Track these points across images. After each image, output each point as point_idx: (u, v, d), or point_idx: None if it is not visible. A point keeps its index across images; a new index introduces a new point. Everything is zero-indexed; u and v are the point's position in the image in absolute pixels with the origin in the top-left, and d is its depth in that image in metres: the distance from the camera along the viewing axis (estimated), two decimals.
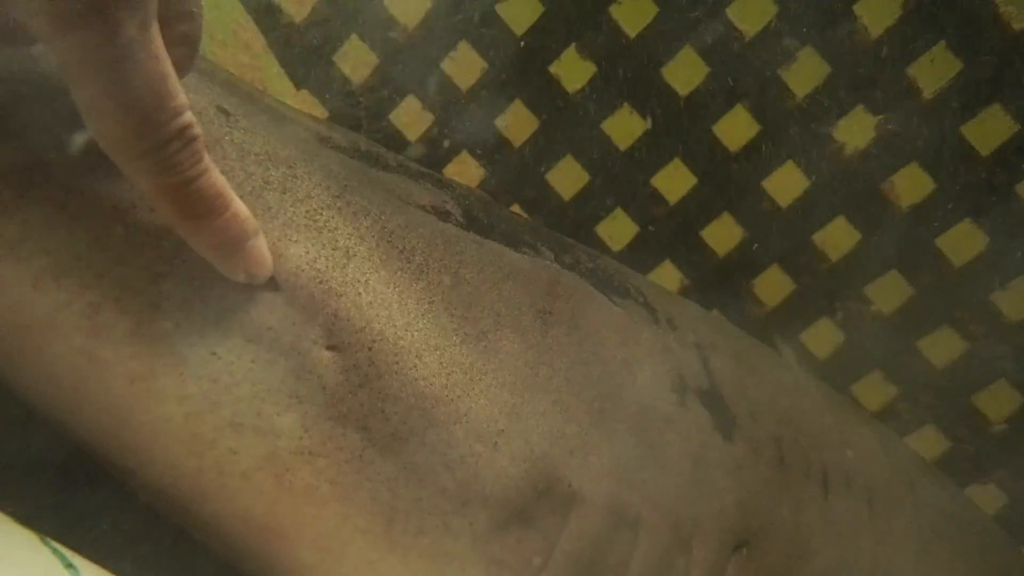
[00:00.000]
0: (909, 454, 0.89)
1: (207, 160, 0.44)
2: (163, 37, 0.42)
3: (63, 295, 0.46)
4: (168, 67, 0.41)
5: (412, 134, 1.08)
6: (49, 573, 0.39)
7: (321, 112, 1.10)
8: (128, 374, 0.47)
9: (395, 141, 1.08)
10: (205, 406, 0.48)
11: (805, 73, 0.92)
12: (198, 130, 0.43)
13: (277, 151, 0.52)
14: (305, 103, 1.11)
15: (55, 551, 0.40)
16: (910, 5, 0.87)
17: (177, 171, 0.43)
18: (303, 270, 0.49)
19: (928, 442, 0.99)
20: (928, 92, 0.90)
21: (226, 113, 0.52)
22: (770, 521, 0.64)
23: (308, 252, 0.49)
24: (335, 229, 0.51)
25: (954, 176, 0.92)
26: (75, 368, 0.47)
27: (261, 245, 0.47)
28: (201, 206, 0.44)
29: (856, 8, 0.89)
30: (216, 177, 0.44)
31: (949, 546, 0.77)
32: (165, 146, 0.42)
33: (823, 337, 1.00)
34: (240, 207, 0.46)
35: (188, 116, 0.42)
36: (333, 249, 0.50)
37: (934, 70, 0.89)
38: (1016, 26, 0.85)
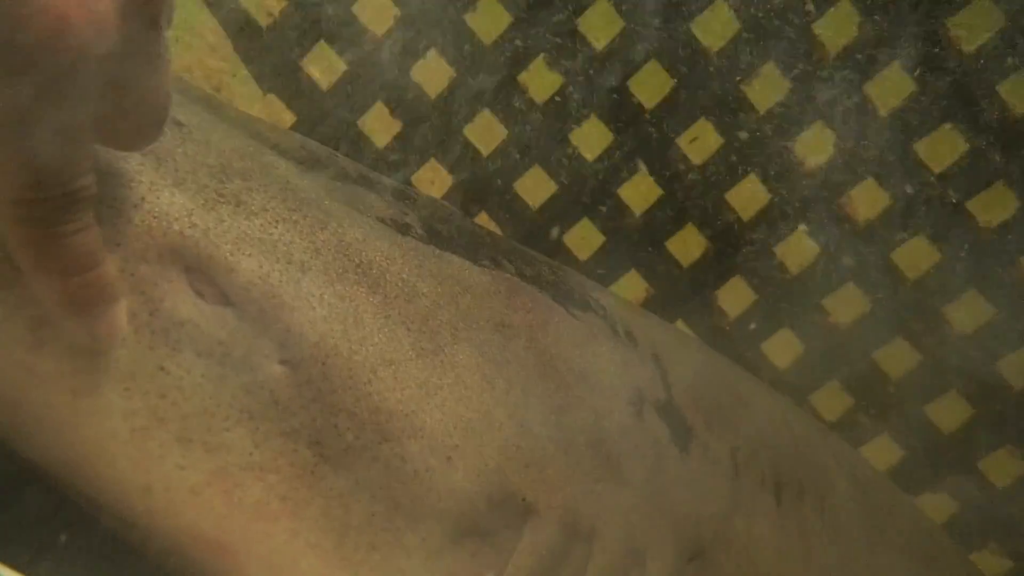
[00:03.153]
0: (862, 464, 0.91)
1: (89, 217, 0.42)
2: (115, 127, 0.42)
3: (2, 309, 0.45)
4: (83, 132, 0.40)
5: (380, 140, 1.08)
6: None
7: (288, 117, 1.09)
8: (72, 388, 0.46)
9: (363, 147, 1.08)
10: (152, 422, 0.47)
11: (767, 88, 0.94)
12: (93, 190, 0.41)
13: (232, 163, 0.52)
14: (272, 108, 1.11)
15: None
16: (866, 28, 0.89)
17: (50, 224, 0.41)
18: (255, 284, 0.49)
19: (882, 451, 1.02)
20: (884, 110, 0.93)
21: (179, 124, 0.51)
22: (724, 532, 0.65)
23: (261, 266, 0.49)
24: (290, 243, 0.51)
25: (909, 192, 0.94)
26: (15, 383, 0.46)
27: (120, 314, 0.46)
28: (66, 261, 0.42)
29: (815, 27, 0.91)
30: (92, 236, 0.42)
31: (898, 553, 0.79)
32: (47, 202, 0.40)
33: (783, 347, 1.02)
34: (108, 270, 0.44)
35: (85, 179, 0.40)
36: (287, 263, 0.50)
37: (891, 89, 0.91)
38: (966, 49, 0.87)
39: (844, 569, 0.73)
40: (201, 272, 0.48)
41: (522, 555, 0.53)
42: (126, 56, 0.40)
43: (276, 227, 0.51)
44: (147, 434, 0.47)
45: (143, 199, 0.48)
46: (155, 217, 0.48)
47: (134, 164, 0.48)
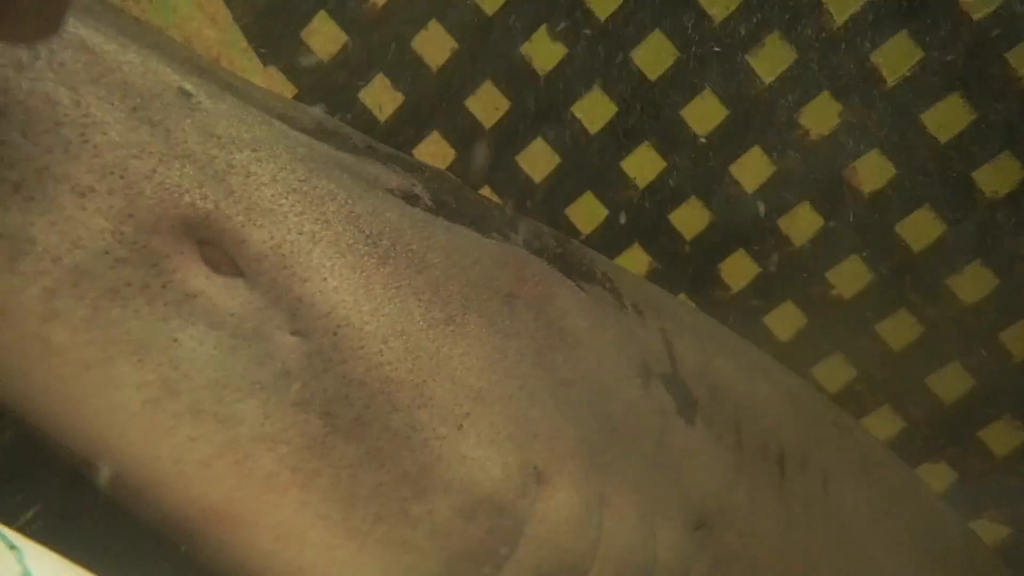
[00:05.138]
0: (864, 435, 0.92)
1: None
2: None
3: (17, 280, 0.45)
4: None
5: (382, 113, 1.08)
6: None
7: (289, 90, 1.08)
8: (84, 360, 0.46)
9: (365, 120, 1.07)
10: (164, 393, 0.47)
11: (772, 59, 0.94)
12: None
13: (241, 133, 0.51)
14: (273, 80, 1.10)
15: None
16: None
17: None
18: (267, 255, 0.49)
19: (884, 422, 1.03)
20: (891, 80, 0.92)
21: (187, 95, 0.51)
22: (728, 502, 0.65)
23: (272, 237, 0.49)
24: (301, 214, 0.50)
25: (915, 164, 0.94)
26: (27, 354, 0.46)
27: None
28: None
29: None
30: None
31: (897, 522, 0.80)
32: None
33: (786, 320, 1.03)
34: None
35: None
36: (298, 234, 0.50)
37: (897, 59, 0.90)
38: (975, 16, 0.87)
39: (846, 538, 0.74)
40: (213, 244, 0.48)
41: (535, 525, 0.54)
42: None
43: (286, 198, 0.50)
44: (158, 406, 0.47)
45: (154, 171, 0.47)
46: (166, 189, 0.47)
47: (144, 135, 0.48)
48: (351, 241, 0.52)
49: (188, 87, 0.51)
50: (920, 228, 0.96)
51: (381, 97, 1.08)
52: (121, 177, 0.47)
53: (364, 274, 0.51)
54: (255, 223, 0.49)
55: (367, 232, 0.53)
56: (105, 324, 0.46)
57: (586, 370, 0.59)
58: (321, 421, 0.50)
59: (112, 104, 0.47)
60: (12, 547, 0.40)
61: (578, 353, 0.59)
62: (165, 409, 0.48)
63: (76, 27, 0.48)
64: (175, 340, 0.47)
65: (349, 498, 0.50)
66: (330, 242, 0.51)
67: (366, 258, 0.52)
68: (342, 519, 0.50)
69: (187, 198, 0.48)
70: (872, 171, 0.96)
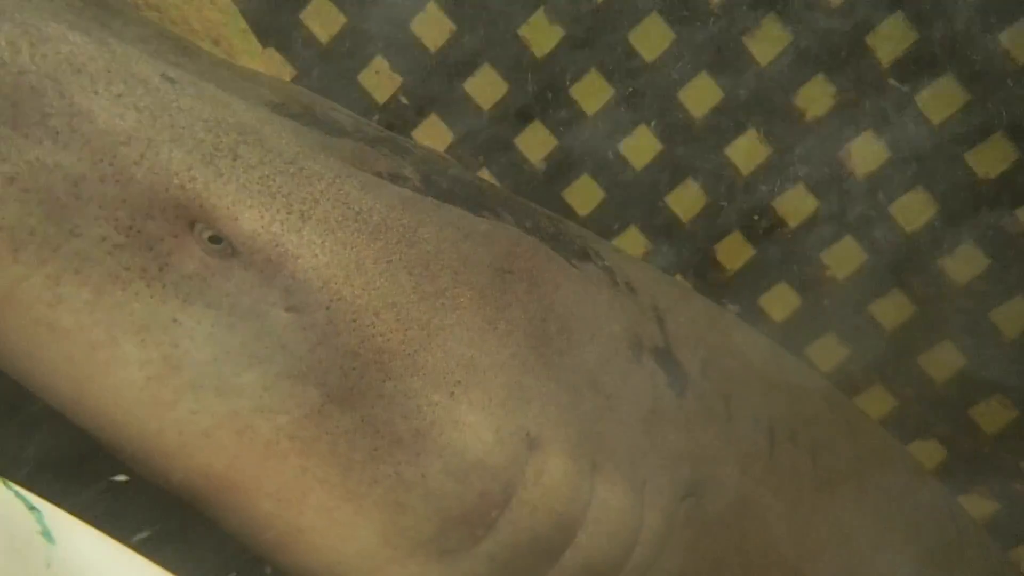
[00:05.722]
0: (855, 412, 0.93)
1: None
2: None
3: (20, 269, 0.46)
4: None
5: (381, 95, 1.08)
6: (13, 515, 0.40)
7: (288, 71, 1.09)
8: (90, 341, 0.48)
9: (364, 103, 1.08)
10: (166, 370, 0.49)
11: (767, 41, 0.94)
12: None
13: (227, 118, 0.52)
14: (272, 62, 1.10)
15: (18, 494, 0.41)
16: None
17: None
18: (258, 234, 0.50)
19: (876, 401, 1.04)
20: (885, 62, 0.93)
21: (171, 81, 0.52)
22: (716, 474, 0.67)
23: (263, 217, 0.50)
24: (289, 194, 0.52)
25: (908, 146, 0.95)
26: (36, 338, 0.48)
27: None
28: None
29: None
30: None
31: (886, 495, 0.81)
32: None
33: (780, 301, 1.04)
34: None
35: None
36: (287, 213, 0.51)
37: (890, 41, 0.91)
38: None
39: (834, 510, 0.75)
40: (206, 225, 0.50)
41: (527, 490, 0.55)
42: None
43: (274, 179, 0.52)
44: (161, 382, 0.49)
45: (143, 156, 0.49)
46: (156, 174, 0.49)
47: (131, 122, 0.49)
48: (340, 218, 0.53)
49: (172, 73, 0.52)
50: (913, 209, 0.97)
51: (380, 79, 1.09)
52: (111, 164, 0.48)
53: (355, 249, 0.52)
54: (245, 203, 0.50)
55: (356, 209, 0.54)
56: (108, 307, 0.48)
57: (578, 341, 0.60)
58: (317, 391, 0.51)
59: (96, 92, 0.48)
60: (32, 508, 0.42)
61: (570, 324, 0.60)
62: (168, 385, 0.49)
63: (56, 19, 0.49)
64: (174, 320, 0.49)
65: (346, 463, 0.52)
66: (319, 219, 0.52)
67: (356, 234, 0.53)
68: (339, 482, 0.52)
69: (176, 181, 0.49)
70: (866, 153, 0.97)
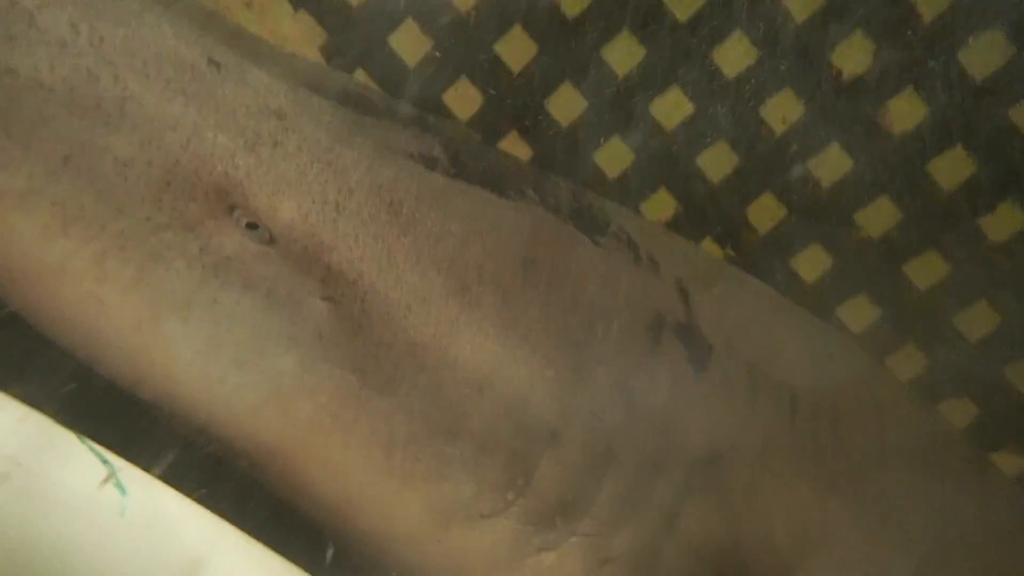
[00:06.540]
0: (883, 377, 0.94)
1: None
2: None
3: (71, 244, 0.49)
4: None
5: (411, 58, 1.08)
6: (88, 468, 0.44)
7: (319, 34, 1.09)
8: (136, 318, 0.51)
9: (393, 66, 1.08)
10: (210, 347, 0.52)
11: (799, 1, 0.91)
12: None
13: (268, 103, 0.54)
14: (303, 24, 1.11)
15: (91, 449, 0.45)
16: None
17: None
18: (296, 224, 0.52)
19: (907, 361, 1.04)
20: (927, 17, 0.89)
21: (217, 65, 0.53)
22: (738, 444, 0.69)
23: (300, 207, 0.53)
24: (325, 183, 0.54)
25: (945, 103, 0.92)
26: (88, 312, 0.51)
27: None
28: None
29: None
30: None
31: (911, 463, 0.83)
32: None
33: (812, 262, 1.03)
34: None
35: None
36: (323, 203, 0.53)
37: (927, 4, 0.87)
38: None
39: (857, 475, 0.77)
40: (246, 211, 0.52)
41: (546, 468, 0.59)
42: None
43: (312, 167, 0.54)
44: (207, 358, 0.53)
45: (189, 141, 0.51)
46: (201, 159, 0.51)
47: (178, 107, 0.51)
48: (373, 211, 0.55)
49: (217, 58, 0.54)
50: (951, 168, 0.95)
51: (410, 42, 1.09)
52: (159, 148, 0.50)
53: (387, 244, 0.55)
54: (284, 193, 0.52)
55: (388, 201, 0.56)
56: (151, 285, 0.51)
57: (598, 331, 0.62)
58: (355, 377, 0.54)
59: (148, 77, 0.50)
60: (105, 462, 0.46)
61: (591, 315, 0.62)
62: (214, 361, 0.53)
63: (115, 2, 0.51)
64: (215, 300, 0.52)
65: (387, 443, 0.55)
66: (354, 212, 0.54)
67: (388, 227, 0.55)
68: (383, 460, 0.56)
69: (220, 167, 0.51)
70: (904, 112, 0.94)
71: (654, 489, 0.63)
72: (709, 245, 1.04)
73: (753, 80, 0.97)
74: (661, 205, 1.04)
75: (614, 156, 1.05)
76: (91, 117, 0.49)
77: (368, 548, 0.58)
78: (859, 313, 1.04)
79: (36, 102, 0.47)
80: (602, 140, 1.04)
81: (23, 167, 0.48)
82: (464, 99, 1.08)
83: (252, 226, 0.52)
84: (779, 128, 0.99)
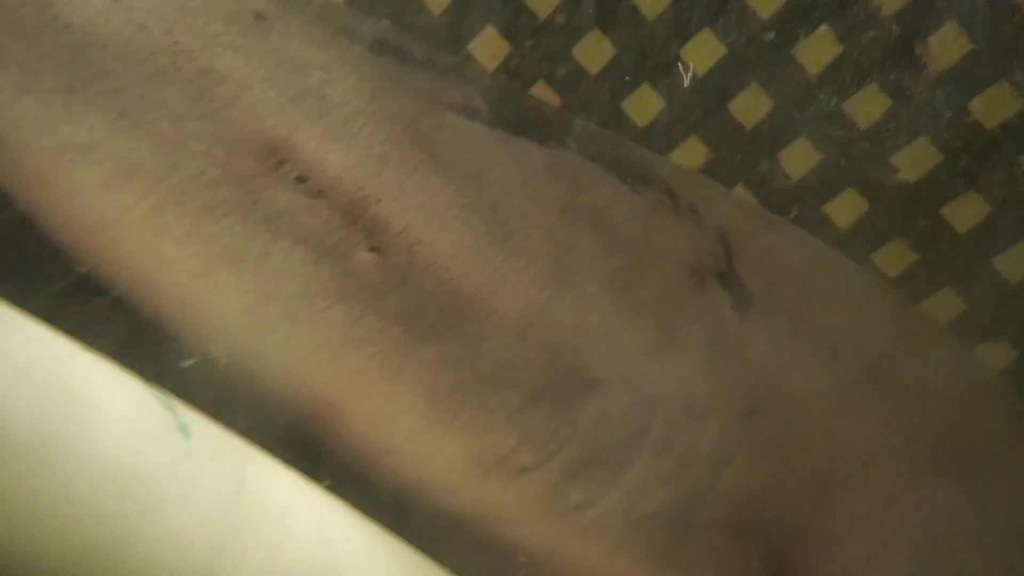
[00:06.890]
0: (920, 321, 0.93)
1: None
2: None
3: (129, 198, 0.50)
4: None
5: (436, 7, 1.07)
6: (154, 412, 0.46)
7: None
8: (191, 270, 0.52)
9: (419, 13, 1.06)
10: (262, 299, 0.53)
11: None
12: None
13: (312, 55, 0.54)
14: None
15: (155, 394, 0.47)
16: None
17: None
18: (342, 177, 0.53)
19: (945, 304, 1.03)
20: None
21: (262, 18, 0.53)
22: (779, 389, 0.69)
23: (346, 159, 0.53)
24: (369, 135, 0.54)
25: (993, 37, 0.89)
26: (145, 264, 0.52)
27: None
28: None
29: None
30: None
31: (947, 404, 0.83)
32: None
33: (847, 207, 1.02)
34: None
35: None
36: (368, 156, 0.54)
37: None
38: None
39: (895, 420, 0.77)
40: (294, 164, 0.52)
41: (591, 414, 0.59)
42: None
43: (356, 119, 0.54)
44: (258, 310, 0.54)
45: (237, 96, 0.51)
46: (249, 113, 0.51)
47: (227, 61, 0.51)
48: (417, 162, 0.55)
49: (262, 8, 0.54)
50: (993, 106, 0.93)
51: None
52: (211, 102, 0.51)
53: (431, 193, 0.55)
54: (330, 146, 0.53)
55: (431, 152, 0.56)
56: (205, 239, 0.52)
57: (641, 274, 0.62)
58: (400, 327, 0.55)
59: (197, 31, 0.50)
60: (168, 407, 0.47)
61: (633, 259, 0.62)
62: (265, 313, 0.54)
63: None
64: (266, 253, 0.53)
65: (432, 392, 0.56)
66: (398, 163, 0.54)
67: (432, 177, 0.55)
68: (427, 409, 0.57)
69: (269, 122, 0.52)
70: (945, 46, 0.92)
71: (697, 439, 0.63)
72: (741, 192, 1.03)
73: (787, 21, 0.94)
74: (692, 152, 1.03)
75: (645, 103, 1.03)
76: (145, 70, 0.49)
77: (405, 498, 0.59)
78: (896, 257, 1.02)
79: (93, 56, 0.47)
80: (633, 87, 1.02)
81: (84, 121, 0.48)
82: (490, 48, 1.06)
83: (301, 179, 0.52)
84: (813, 70, 0.97)
